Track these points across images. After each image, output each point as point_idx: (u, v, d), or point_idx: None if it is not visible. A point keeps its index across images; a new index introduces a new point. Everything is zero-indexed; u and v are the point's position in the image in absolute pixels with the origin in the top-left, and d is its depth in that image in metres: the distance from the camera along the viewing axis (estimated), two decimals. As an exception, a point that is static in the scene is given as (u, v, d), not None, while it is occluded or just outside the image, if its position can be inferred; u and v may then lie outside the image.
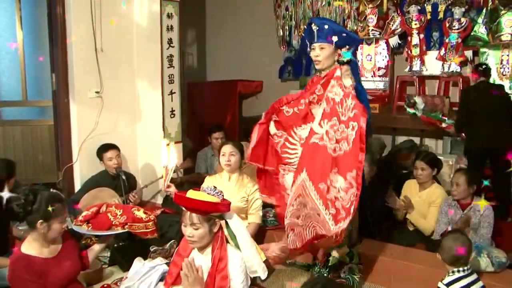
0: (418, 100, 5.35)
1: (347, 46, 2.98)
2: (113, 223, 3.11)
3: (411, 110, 5.37)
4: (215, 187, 2.63)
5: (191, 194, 2.53)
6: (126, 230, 3.14)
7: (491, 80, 5.26)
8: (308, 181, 2.85)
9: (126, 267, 3.48)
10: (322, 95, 2.94)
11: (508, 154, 4.26)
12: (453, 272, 2.77)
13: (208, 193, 2.54)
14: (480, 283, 2.78)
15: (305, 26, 3.14)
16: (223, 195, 2.60)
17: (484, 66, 4.84)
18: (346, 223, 2.67)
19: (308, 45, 3.09)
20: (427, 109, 5.37)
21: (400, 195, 4.19)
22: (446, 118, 5.21)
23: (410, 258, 3.51)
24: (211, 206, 2.51)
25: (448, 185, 4.13)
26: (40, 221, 2.59)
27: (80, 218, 3.11)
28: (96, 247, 3.08)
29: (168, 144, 3.61)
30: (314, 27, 3.00)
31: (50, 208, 2.59)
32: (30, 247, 2.68)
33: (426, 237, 3.92)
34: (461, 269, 2.75)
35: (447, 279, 2.77)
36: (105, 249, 3.81)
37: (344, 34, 2.95)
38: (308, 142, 2.92)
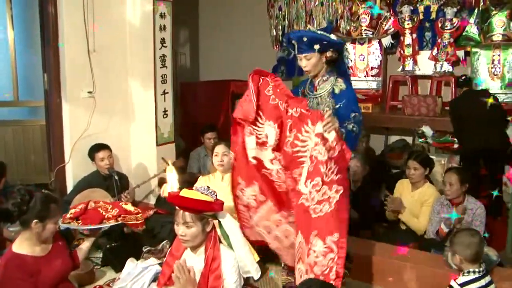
0: (425, 129, 5.46)
1: (331, 50, 3.00)
2: (106, 216, 3.10)
3: (422, 140, 5.44)
4: (208, 187, 2.63)
5: (185, 193, 2.53)
6: (120, 222, 3.14)
7: (482, 80, 5.33)
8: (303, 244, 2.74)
9: (118, 267, 3.47)
10: (296, 119, 2.82)
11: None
12: (468, 272, 2.71)
13: (201, 193, 2.54)
14: (493, 286, 2.75)
15: (284, 39, 3.13)
16: (216, 195, 2.60)
17: (463, 77, 5.05)
18: None
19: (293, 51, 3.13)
20: (436, 135, 5.50)
21: (392, 194, 4.20)
22: (455, 139, 5.27)
23: (403, 257, 3.51)
24: (205, 204, 2.51)
25: (441, 185, 4.15)
26: (35, 221, 2.60)
27: (69, 215, 3.09)
28: (85, 244, 3.07)
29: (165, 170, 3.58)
30: (294, 41, 3.02)
31: (46, 208, 2.61)
32: (22, 246, 2.67)
33: (419, 236, 3.93)
34: (476, 270, 2.69)
35: (462, 279, 2.70)
36: (97, 249, 3.80)
37: (325, 42, 2.95)
38: (298, 203, 2.79)
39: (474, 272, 2.67)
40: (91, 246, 3.13)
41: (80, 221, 3.07)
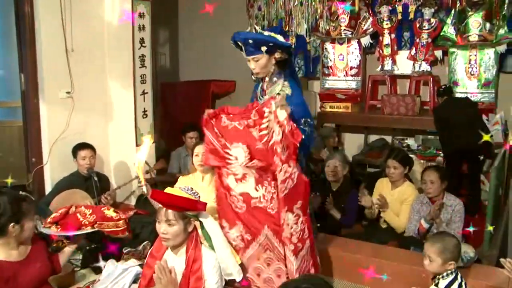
0: (410, 142, 5.66)
1: (279, 51, 2.93)
2: (83, 222, 3.05)
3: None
4: (192, 188, 2.62)
5: (169, 190, 2.52)
6: (96, 229, 3.09)
7: (459, 79, 5.44)
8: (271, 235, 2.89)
9: (98, 269, 3.43)
10: (257, 120, 2.81)
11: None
12: (447, 275, 2.67)
13: (185, 192, 2.53)
14: (463, 280, 2.75)
15: (231, 40, 2.98)
16: (199, 197, 2.59)
17: (443, 86, 5.25)
18: (305, 251, 2.88)
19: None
20: (420, 148, 5.67)
21: (372, 193, 4.24)
22: (440, 152, 5.40)
23: (382, 255, 3.55)
24: (189, 202, 2.50)
25: (420, 183, 4.19)
26: (12, 224, 2.54)
27: (49, 220, 3.05)
28: (67, 249, 3.02)
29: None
30: (240, 43, 2.95)
31: (18, 208, 2.56)
32: (1, 249, 2.61)
33: (398, 234, 3.98)
34: (454, 269, 2.68)
35: (443, 283, 2.67)
36: (77, 251, 3.76)
37: (271, 44, 2.88)
38: (249, 208, 2.91)
39: (451, 273, 2.69)
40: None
41: (59, 227, 3.03)
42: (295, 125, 2.75)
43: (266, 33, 2.96)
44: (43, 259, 2.81)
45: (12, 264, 2.62)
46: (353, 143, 6.68)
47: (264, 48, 2.87)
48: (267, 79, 3.03)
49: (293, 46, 3.01)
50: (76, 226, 3.03)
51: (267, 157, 2.77)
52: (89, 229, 3.06)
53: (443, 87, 5.24)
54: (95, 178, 4.24)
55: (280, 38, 2.94)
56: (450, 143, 4.87)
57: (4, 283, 2.55)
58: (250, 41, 2.88)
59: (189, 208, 2.51)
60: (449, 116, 4.84)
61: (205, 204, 2.61)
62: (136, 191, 4.96)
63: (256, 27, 3.00)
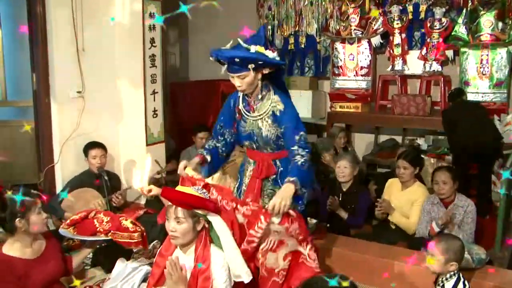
0: (421, 142, 5.63)
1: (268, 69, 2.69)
2: (98, 229, 3.07)
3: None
4: (203, 187, 2.61)
5: (180, 188, 2.53)
6: (109, 237, 3.11)
7: (471, 79, 5.41)
8: None
9: (108, 268, 3.45)
10: (251, 220, 2.65)
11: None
12: (450, 276, 2.66)
13: (195, 191, 2.53)
14: (465, 281, 2.73)
15: (211, 57, 2.76)
16: (209, 197, 2.59)
17: (453, 90, 5.19)
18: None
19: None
20: (432, 148, 5.61)
21: (382, 194, 4.22)
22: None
23: (392, 256, 3.53)
24: (199, 200, 2.49)
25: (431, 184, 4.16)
26: (18, 219, 2.57)
27: (68, 221, 3.08)
28: (85, 251, 3.06)
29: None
30: (223, 61, 2.73)
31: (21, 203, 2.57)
32: (12, 248, 2.64)
33: (408, 235, 3.95)
34: (456, 271, 2.66)
35: (449, 284, 2.65)
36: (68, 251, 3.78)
37: (260, 62, 2.63)
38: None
39: (454, 274, 2.68)
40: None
41: (75, 229, 3.06)
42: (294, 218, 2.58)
43: (253, 48, 2.65)
44: (57, 259, 2.84)
45: (25, 262, 2.64)
46: (363, 143, 6.65)
47: (251, 66, 2.63)
48: (254, 94, 2.81)
49: (279, 58, 2.70)
50: (90, 231, 3.05)
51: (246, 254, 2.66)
52: (102, 237, 3.08)
53: (453, 90, 5.20)
54: (106, 177, 4.27)
55: (269, 54, 2.66)
56: (458, 145, 4.83)
57: (17, 280, 2.58)
58: (237, 60, 2.63)
59: (198, 206, 2.51)
60: (458, 118, 4.80)
61: (215, 203, 2.60)
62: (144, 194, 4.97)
63: (239, 40, 2.73)
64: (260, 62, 2.63)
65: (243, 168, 3.08)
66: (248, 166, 3.01)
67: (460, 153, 4.85)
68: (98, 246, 3.44)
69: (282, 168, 2.89)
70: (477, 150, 4.61)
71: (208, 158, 2.93)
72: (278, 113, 2.78)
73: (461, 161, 4.84)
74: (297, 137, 2.72)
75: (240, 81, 2.70)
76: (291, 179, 2.58)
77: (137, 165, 3.11)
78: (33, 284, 2.65)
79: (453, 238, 2.78)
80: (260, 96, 2.80)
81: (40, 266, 2.69)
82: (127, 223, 3.17)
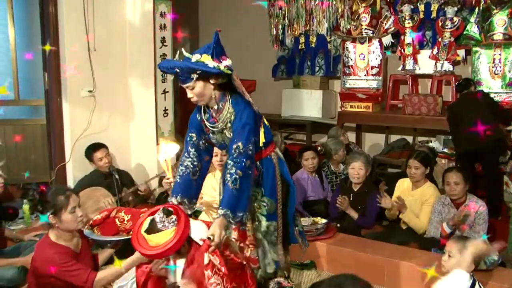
0: (435, 145, 5.60)
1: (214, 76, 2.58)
2: (120, 228, 3.10)
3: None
4: (168, 212, 2.40)
5: (149, 241, 2.41)
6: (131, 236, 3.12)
7: (483, 79, 5.35)
8: None
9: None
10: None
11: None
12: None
13: (162, 226, 2.39)
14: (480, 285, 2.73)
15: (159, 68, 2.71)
16: (176, 221, 2.41)
17: (460, 81, 5.11)
18: None
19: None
20: (446, 151, 5.55)
21: (392, 194, 4.20)
22: None
23: (402, 256, 3.52)
24: (172, 249, 2.38)
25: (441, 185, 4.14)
26: (51, 216, 2.68)
27: (90, 222, 3.10)
28: (109, 251, 3.09)
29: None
30: (168, 72, 2.67)
31: (55, 201, 2.68)
32: (58, 238, 2.74)
33: (419, 235, 3.93)
34: (471, 273, 2.61)
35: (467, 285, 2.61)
36: (99, 248, 3.80)
37: (199, 71, 2.53)
38: None
39: (470, 277, 2.65)
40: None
41: (99, 230, 3.08)
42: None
43: (194, 57, 2.55)
44: (91, 255, 2.94)
45: (74, 252, 2.76)
46: (373, 143, 6.63)
47: (194, 76, 2.54)
48: (213, 106, 2.69)
49: (223, 67, 2.57)
50: (113, 231, 3.07)
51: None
52: (124, 236, 3.10)
53: (461, 81, 5.11)
54: (116, 176, 4.29)
55: (209, 62, 2.54)
56: (462, 142, 4.77)
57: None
58: (177, 70, 2.55)
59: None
60: (462, 113, 4.73)
61: (183, 238, 2.41)
62: (157, 189, 5.00)
63: (183, 50, 2.63)
64: (198, 72, 2.53)
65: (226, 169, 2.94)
66: None
67: (463, 151, 4.78)
68: (110, 244, 3.47)
69: (263, 169, 2.78)
70: (480, 148, 4.55)
71: (183, 199, 2.73)
72: (232, 123, 2.64)
73: (464, 160, 4.78)
74: (233, 147, 2.54)
75: (190, 92, 2.62)
76: (221, 212, 2.45)
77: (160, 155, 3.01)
78: None
79: (474, 240, 2.76)
80: (219, 107, 2.68)
81: (81, 261, 2.78)
82: None
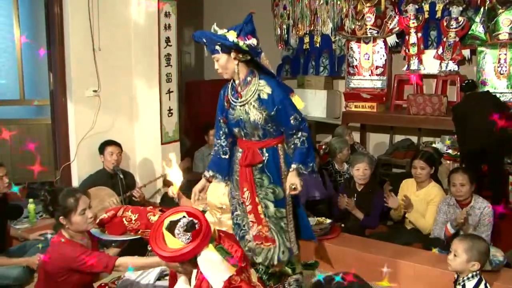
0: (439, 145, 5.53)
1: (235, 51, 2.77)
2: (127, 228, 3.11)
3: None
4: (191, 226, 2.41)
5: (167, 243, 2.44)
6: (138, 236, 3.13)
7: (488, 79, 5.32)
8: None
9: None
10: None
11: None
12: (472, 276, 2.64)
13: (178, 234, 2.41)
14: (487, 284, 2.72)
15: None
16: (189, 239, 2.42)
17: (466, 81, 5.05)
18: None
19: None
20: (450, 152, 5.47)
21: (397, 194, 4.19)
22: None
23: (407, 256, 3.51)
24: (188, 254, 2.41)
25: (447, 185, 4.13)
26: (61, 217, 2.72)
27: (97, 221, 3.11)
28: (115, 250, 3.10)
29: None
30: (199, 41, 2.90)
31: (65, 203, 2.73)
32: (71, 237, 2.79)
33: (423, 235, 3.92)
34: (478, 272, 2.63)
35: (471, 285, 2.63)
36: (103, 248, 3.81)
37: (219, 43, 2.74)
38: None
39: (476, 275, 2.64)
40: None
41: (106, 229, 3.09)
42: None
43: (220, 31, 2.79)
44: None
45: (85, 250, 2.78)
46: (378, 143, 6.61)
47: (218, 47, 2.77)
48: (238, 81, 2.88)
49: (242, 43, 2.77)
50: (121, 230, 3.08)
51: None
52: (132, 235, 3.11)
53: (467, 81, 5.08)
54: (121, 176, 4.30)
55: (230, 36, 2.74)
56: (467, 141, 4.74)
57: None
58: (204, 40, 2.81)
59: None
60: (467, 113, 4.71)
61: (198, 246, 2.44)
62: (162, 189, 5.01)
63: (214, 25, 2.86)
64: (218, 43, 2.74)
65: (233, 158, 3.10)
66: (238, 154, 3.04)
67: (468, 151, 4.76)
68: (114, 243, 3.48)
69: (269, 157, 2.92)
70: (485, 148, 4.53)
71: (215, 174, 3.07)
72: (265, 96, 2.81)
73: (470, 160, 4.75)
74: (291, 121, 2.81)
75: (217, 63, 2.85)
76: (294, 166, 2.83)
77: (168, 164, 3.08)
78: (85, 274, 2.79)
79: (478, 239, 2.77)
80: (245, 82, 2.86)
81: None
82: (155, 218, 3.19)
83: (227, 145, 3.06)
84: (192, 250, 2.38)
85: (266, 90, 2.81)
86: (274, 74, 2.94)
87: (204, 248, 2.43)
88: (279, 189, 2.93)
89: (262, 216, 2.95)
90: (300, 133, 2.84)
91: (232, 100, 2.93)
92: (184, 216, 2.44)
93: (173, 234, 2.40)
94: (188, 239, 2.39)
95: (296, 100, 2.92)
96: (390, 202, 4.03)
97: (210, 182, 3.08)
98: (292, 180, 2.80)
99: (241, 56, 2.79)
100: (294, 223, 3.04)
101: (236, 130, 2.98)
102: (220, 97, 3.08)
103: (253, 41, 2.80)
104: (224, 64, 2.82)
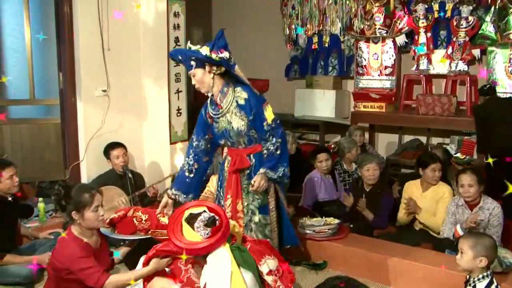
0: (449, 148, 5.53)
1: (209, 64, 2.93)
2: (138, 228, 3.12)
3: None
4: (212, 222, 2.45)
5: (184, 234, 2.48)
6: (149, 236, 3.14)
7: (499, 79, 5.28)
8: None
9: (132, 265, 3.48)
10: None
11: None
12: (483, 277, 2.59)
13: (197, 228, 2.46)
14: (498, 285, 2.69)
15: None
16: (209, 234, 2.46)
17: (487, 86, 5.01)
18: None
19: None
20: (458, 155, 5.50)
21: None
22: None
23: (416, 257, 3.49)
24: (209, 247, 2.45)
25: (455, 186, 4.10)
26: (73, 212, 2.74)
27: (107, 221, 3.13)
28: (124, 249, 3.12)
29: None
30: (174, 59, 3.10)
31: (79, 198, 2.75)
32: (80, 234, 2.80)
33: (432, 236, 3.90)
34: (489, 273, 2.60)
35: (481, 285, 2.60)
36: (112, 247, 3.82)
37: (193, 58, 2.91)
38: None
39: (487, 275, 2.62)
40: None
41: (116, 229, 3.11)
42: None
43: (194, 47, 2.96)
44: (108, 253, 3.00)
45: (93, 249, 2.82)
46: (387, 143, 6.59)
47: (193, 63, 2.91)
48: (216, 93, 3.02)
49: (214, 56, 2.92)
50: (131, 230, 3.10)
51: None
52: (142, 235, 3.12)
53: (487, 86, 5.03)
54: (130, 175, 4.32)
55: (203, 50, 2.90)
56: (488, 143, 4.72)
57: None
58: (180, 58, 2.97)
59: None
60: (489, 116, 4.69)
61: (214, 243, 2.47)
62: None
63: (188, 43, 3.08)
64: (193, 58, 2.89)
65: (222, 165, 3.26)
66: (226, 162, 3.21)
67: (489, 152, 4.72)
68: (123, 243, 3.49)
69: (256, 163, 3.06)
70: (507, 149, 4.49)
71: (177, 193, 3.15)
72: (243, 102, 2.97)
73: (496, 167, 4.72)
74: (264, 125, 2.97)
75: (193, 79, 2.99)
76: (262, 171, 2.97)
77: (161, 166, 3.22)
78: None
79: (483, 235, 2.76)
80: (222, 93, 3.01)
81: (99, 257, 2.84)
82: (165, 219, 3.21)
83: (193, 165, 3.15)
84: (209, 246, 2.42)
85: (242, 95, 2.99)
86: (248, 84, 3.08)
87: (221, 246, 2.44)
88: (264, 195, 3.06)
89: (241, 223, 3.04)
90: (274, 139, 2.98)
91: (214, 114, 3.09)
92: (205, 211, 2.47)
93: (192, 227, 2.43)
94: (207, 234, 2.43)
95: (268, 110, 3.04)
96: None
97: (172, 200, 3.15)
98: (255, 178, 2.94)
99: (215, 69, 2.94)
100: (278, 231, 3.15)
101: (222, 141, 3.15)
102: (200, 116, 3.21)
103: (225, 55, 2.94)
104: (200, 78, 2.96)
